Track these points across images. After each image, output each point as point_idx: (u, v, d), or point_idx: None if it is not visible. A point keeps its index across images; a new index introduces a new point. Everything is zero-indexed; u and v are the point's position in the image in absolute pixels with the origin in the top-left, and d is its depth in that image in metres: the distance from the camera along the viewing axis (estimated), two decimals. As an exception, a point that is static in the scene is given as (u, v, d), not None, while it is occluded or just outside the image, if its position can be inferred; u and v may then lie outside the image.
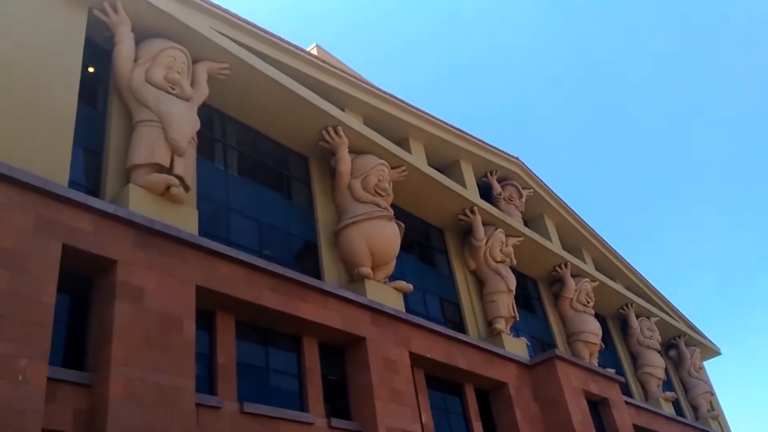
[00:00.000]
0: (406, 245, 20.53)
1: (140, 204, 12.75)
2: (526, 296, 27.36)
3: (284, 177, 18.73)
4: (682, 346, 36.62)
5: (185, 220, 13.51)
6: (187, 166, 13.94)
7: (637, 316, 33.14)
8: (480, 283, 23.57)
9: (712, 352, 39.55)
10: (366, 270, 17.67)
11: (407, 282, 18.98)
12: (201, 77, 15.55)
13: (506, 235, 24.44)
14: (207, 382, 12.96)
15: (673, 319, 36.64)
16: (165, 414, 10.94)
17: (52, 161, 11.85)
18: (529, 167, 28.25)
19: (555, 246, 27.92)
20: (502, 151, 26.95)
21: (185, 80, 14.84)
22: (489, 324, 22.62)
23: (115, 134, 13.94)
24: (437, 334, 18.61)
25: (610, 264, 33.30)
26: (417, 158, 21.85)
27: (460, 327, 21.67)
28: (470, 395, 19.78)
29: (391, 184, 19.64)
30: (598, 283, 29.58)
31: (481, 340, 21.29)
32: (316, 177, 19.23)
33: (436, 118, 23.37)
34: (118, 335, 10.95)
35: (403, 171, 20.54)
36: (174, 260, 12.57)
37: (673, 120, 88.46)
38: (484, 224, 23.66)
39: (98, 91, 14.60)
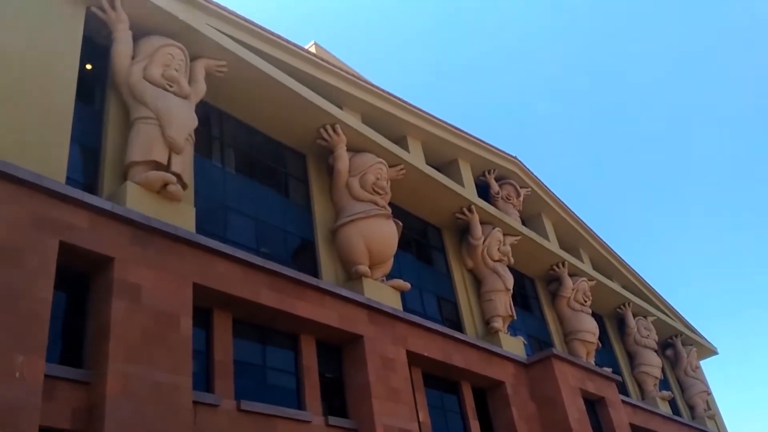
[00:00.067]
0: (403, 244, 20.53)
1: (137, 201, 12.72)
2: (524, 295, 27.38)
3: (282, 175, 18.71)
4: (679, 345, 36.68)
5: (182, 217, 13.50)
6: (184, 164, 13.94)
7: (634, 316, 33.20)
8: (477, 281, 23.60)
9: (708, 351, 39.67)
10: (363, 268, 17.67)
11: (405, 280, 19.00)
12: (199, 74, 15.52)
13: (504, 234, 24.46)
14: (204, 380, 12.95)
15: (670, 318, 36.70)
16: (162, 411, 10.93)
17: (50, 158, 11.83)
18: (527, 166, 28.30)
19: (552, 245, 27.95)
20: (500, 150, 26.97)
21: (183, 77, 14.82)
22: (486, 323, 22.65)
23: (112, 131, 13.92)
24: (434, 332, 18.61)
25: (607, 263, 33.34)
26: (415, 157, 21.84)
27: (458, 326, 21.69)
28: (467, 394, 19.79)
29: (389, 182, 19.63)
30: (595, 282, 29.62)
31: (478, 338, 21.31)
32: (314, 175, 19.22)
33: (435, 117, 23.36)
34: (116, 332, 10.94)
35: (401, 169, 20.53)
36: (171, 258, 12.56)
37: (672, 119, 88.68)
38: (481, 223, 23.67)
39: (96, 88, 14.57)
